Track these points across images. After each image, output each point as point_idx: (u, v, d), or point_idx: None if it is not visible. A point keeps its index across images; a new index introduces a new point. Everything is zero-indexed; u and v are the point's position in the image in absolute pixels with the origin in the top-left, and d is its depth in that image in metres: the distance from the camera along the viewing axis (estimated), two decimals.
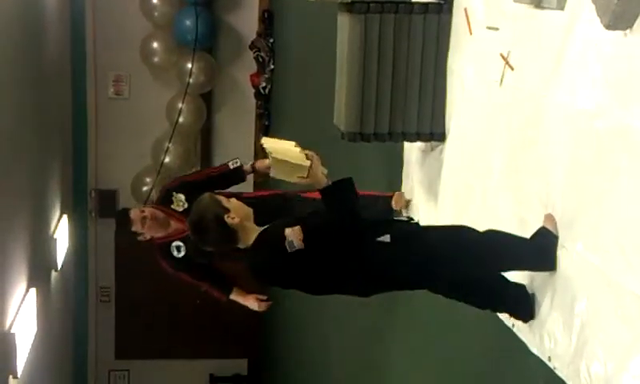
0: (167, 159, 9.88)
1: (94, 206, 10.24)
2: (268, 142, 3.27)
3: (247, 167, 4.61)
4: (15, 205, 6.40)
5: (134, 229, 4.35)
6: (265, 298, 4.59)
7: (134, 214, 4.37)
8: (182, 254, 4.35)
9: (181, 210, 4.35)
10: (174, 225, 4.39)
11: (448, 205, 4.11)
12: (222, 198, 3.08)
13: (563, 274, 2.89)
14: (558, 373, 2.89)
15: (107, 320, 10.60)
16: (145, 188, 10.05)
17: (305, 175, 2.96)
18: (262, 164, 4.49)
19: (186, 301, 10.30)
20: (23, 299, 6.42)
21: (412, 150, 4.64)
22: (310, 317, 7.47)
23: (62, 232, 8.49)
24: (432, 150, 4.35)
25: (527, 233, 3.07)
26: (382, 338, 5.31)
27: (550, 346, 2.95)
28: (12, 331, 5.91)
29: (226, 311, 10.20)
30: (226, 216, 2.98)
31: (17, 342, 5.91)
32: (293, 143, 3.19)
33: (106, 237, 10.33)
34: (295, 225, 2.92)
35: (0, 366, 5.76)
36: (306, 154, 2.99)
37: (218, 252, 3.59)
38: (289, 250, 2.89)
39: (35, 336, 6.72)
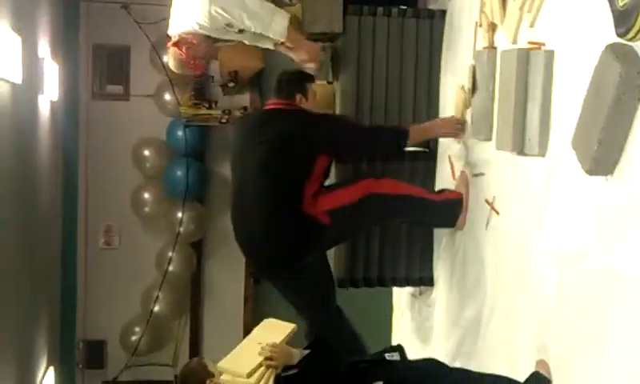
0: (157, 308, 9.82)
1: (82, 357, 10.09)
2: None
3: None
4: (0, 356, 6.30)
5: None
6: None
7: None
8: None
9: None
10: None
11: (440, 348, 4.08)
12: (209, 363, 3.09)
13: None
14: None
15: None
16: (134, 337, 9.94)
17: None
18: None
19: None
20: None
21: (401, 295, 4.65)
22: None
23: None
24: (421, 294, 4.36)
25: (519, 377, 3.04)
26: None
27: None
28: None
29: None
30: (208, 381, 2.99)
31: None
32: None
33: None
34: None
35: None
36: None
37: None
38: None
39: None
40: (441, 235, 4.11)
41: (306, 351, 3.04)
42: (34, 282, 7.89)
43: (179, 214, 9.62)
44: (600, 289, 2.61)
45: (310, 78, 3.94)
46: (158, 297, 9.75)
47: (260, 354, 2.99)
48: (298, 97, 3.87)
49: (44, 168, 8.48)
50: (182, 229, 9.65)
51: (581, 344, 2.73)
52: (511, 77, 3.08)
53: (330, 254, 4.15)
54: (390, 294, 4.77)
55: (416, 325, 4.44)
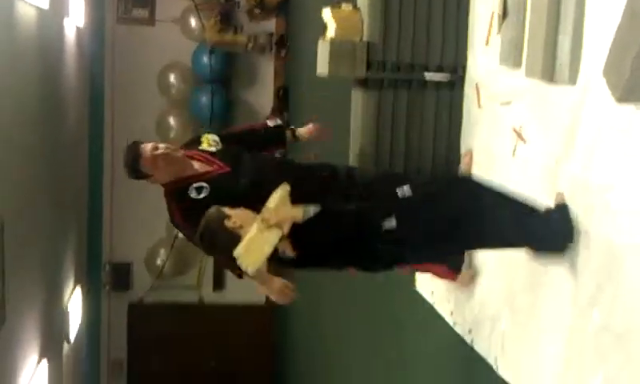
0: (181, 234, 9.91)
1: (108, 279, 10.27)
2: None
3: (288, 132, 4.20)
4: (29, 275, 6.44)
5: (142, 167, 3.67)
6: (291, 286, 3.60)
7: (145, 150, 3.63)
8: (203, 195, 3.60)
9: (213, 149, 3.69)
10: (198, 166, 3.68)
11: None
12: (226, 208, 3.17)
13: None
14: None
15: None
16: (159, 261, 10.09)
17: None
18: (305, 131, 4.17)
19: (198, 371, 10.25)
20: (35, 372, 6.40)
21: None
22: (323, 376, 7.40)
23: (75, 304, 8.50)
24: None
25: None
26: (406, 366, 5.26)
27: None
28: None
29: (240, 381, 10.19)
30: (226, 220, 3.10)
31: None
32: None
33: (119, 310, 10.34)
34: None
35: None
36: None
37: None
38: (285, 257, 3.09)
39: None
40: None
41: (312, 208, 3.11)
42: (61, 205, 7.99)
43: None
44: (629, 223, 2.61)
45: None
46: None
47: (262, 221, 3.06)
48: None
49: (70, 93, 8.51)
50: None
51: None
52: (543, 2, 3.03)
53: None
54: None
55: None
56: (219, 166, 3.68)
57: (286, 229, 3.06)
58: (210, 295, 10.50)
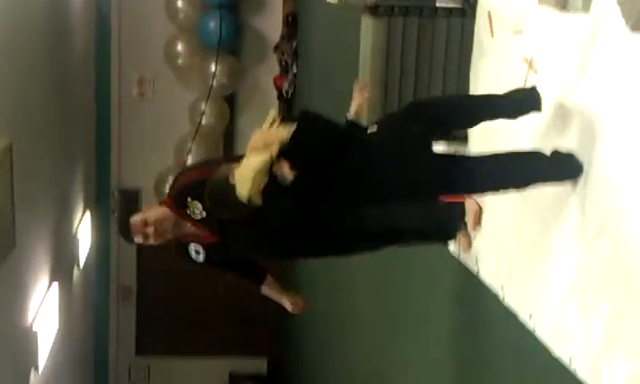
0: (190, 160, 9.94)
1: (117, 205, 10.32)
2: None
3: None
4: (39, 200, 6.48)
5: (136, 241, 3.66)
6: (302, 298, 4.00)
7: (135, 225, 3.61)
8: (202, 257, 3.79)
9: (198, 218, 3.66)
10: (190, 228, 3.74)
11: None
12: (232, 165, 3.19)
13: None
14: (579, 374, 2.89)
15: (128, 317, 10.68)
16: (167, 187, 10.11)
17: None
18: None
19: (208, 298, 10.37)
20: (45, 295, 6.50)
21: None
22: (334, 319, 7.48)
23: (84, 229, 8.58)
24: (455, 153, 4.36)
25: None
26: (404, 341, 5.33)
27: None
28: (34, 326, 5.98)
29: (247, 310, 10.31)
30: (230, 176, 3.11)
31: (38, 337, 5.98)
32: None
33: None
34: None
35: (22, 361, 5.83)
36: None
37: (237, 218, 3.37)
38: (286, 183, 3.08)
39: (57, 331, 6.79)
40: (477, 92, 4.07)
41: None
42: (69, 131, 7.99)
43: (212, 67, 9.60)
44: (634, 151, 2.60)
45: None
46: (190, 148, 9.85)
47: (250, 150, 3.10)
48: None
49: (78, 17, 8.43)
50: (215, 82, 9.64)
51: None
52: None
53: None
54: None
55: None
56: (206, 236, 3.65)
57: (274, 149, 3.05)
58: None
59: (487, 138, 3.92)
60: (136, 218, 3.55)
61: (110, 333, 10.65)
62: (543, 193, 3.14)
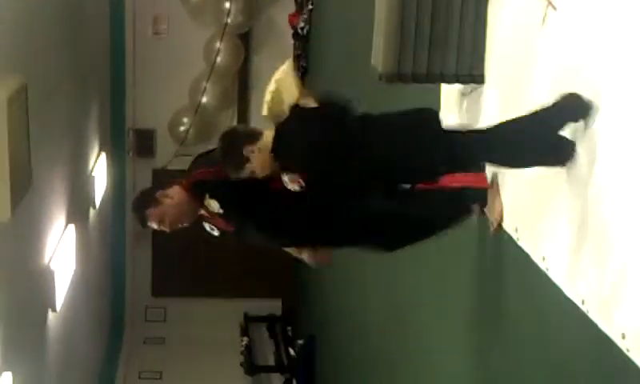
0: (204, 99, 9.90)
1: (132, 145, 10.33)
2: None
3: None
4: (55, 141, 6.48)
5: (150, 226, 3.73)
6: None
7: (151, 216, 3.65)
8: (217, 232, 3.82)
9: (214, 212, 3.70)
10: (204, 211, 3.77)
11: None
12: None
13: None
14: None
15: (144, 258, 10.75)
16: (182, 128, 10.11)
17: None
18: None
19: (222, 240, 10.40)
20: (62, 235, 6.53)
21: (450, 93, 4.59)
22: (353, 262, 7.50)
23: (100, 170, 8.59)
24: (471, 92, 4.29)
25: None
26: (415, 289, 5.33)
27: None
28: (51, 266, 6.02)
29: (262, 251, 10.34)
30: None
31: (55, 277, 6.03)
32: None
33: (143, 176, 10.44)
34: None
35: (40, 301, 5.89)
36: None
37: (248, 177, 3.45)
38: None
39: (74, 271, 6.84)
40: (494, 32, 3.99)
41: None
42: (83, 71, 7.95)
43: (227, 4, 9.49)
44: None
45: None
46: (205, 88, 9.80)
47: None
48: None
49: None
50: (229, 19, 9.54)
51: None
52: None
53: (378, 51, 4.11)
54: (438, 91, 4.71)
55: (464, 123, 4.40)
56: (221, 224, 3.70)
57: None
58: None
59: (504, 81, 3.86)
60: (153, 212, 3.59)
61: (127, 274, 10.74)
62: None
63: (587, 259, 2.92)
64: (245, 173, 3.33)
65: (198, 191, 3.60)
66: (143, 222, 3.64)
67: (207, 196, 3.57)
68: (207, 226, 3.76)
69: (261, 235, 3.71)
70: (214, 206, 3.59)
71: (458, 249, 4.43)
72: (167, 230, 3.66)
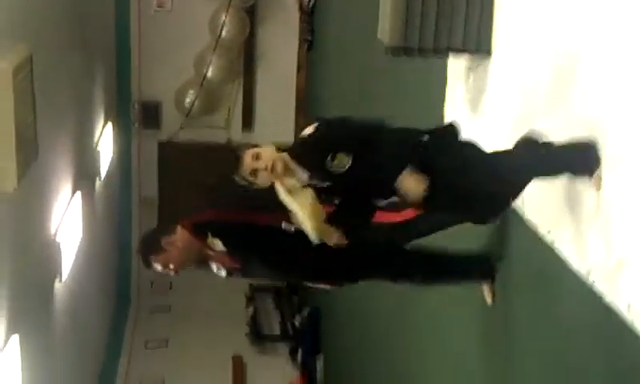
0: (210, 72, 9.89)
1: (138, 117, 10.33)
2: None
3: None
4: (60, 113, 6.48)
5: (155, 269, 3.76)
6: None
7: (157, 262, 3.72)
8: (224, 273, 3.91)
9: (218, 249, 3.79)
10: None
11: (492, 122, 4.07)
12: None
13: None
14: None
15: (150, 228, 10.77)
16: (187, 100, 10.11)
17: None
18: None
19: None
20: (68, 205, 6.56)
21: (456, 67, 4.58)
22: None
23: (106, 141, 8.61)
24: (477, 66, 4.29)
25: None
26: None
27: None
28: (57, 236, 6.06)
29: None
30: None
31: (62, 247, 6.06)
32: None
33: (149, 147, 10.46)
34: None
35: (46, 271, 5.93)
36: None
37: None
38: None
39: (80, 242, 6.88)
40: (502, 4, 3.98)
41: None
42: (89, 42, 7.94)
43: None
44: None
45: None
46: (210, 61, 9.79)
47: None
48: None
49: None
50: None
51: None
52: None
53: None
54: (445, 65, 4.70)
55: (470, 96, 4.41)
56: (229, 261, 3.77)
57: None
58: (238, 135, 10.57)
59: (511, 54, 3.86)
60: (159, 259, 3.65)
61: (133, 244, 10.78)
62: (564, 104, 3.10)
63: (593, 233, 2.93)
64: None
65: (199, 231, 3.71)
66: (149, 266, 3.72)
67: (209, 235, 3.68)
68: (214, 267, 3.83)
69: (267, 270, 3.79)
70: (218, 244, 3.70)
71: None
72: (173, 273, 3.73)
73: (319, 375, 9.06)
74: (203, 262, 3.81)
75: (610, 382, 2.78)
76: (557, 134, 3.25)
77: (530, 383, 3.51)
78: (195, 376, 9.35)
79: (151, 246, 3.70)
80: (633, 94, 2.72)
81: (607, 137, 2.87)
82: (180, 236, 3.66)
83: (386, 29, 4.16)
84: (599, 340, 2.89)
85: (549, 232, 3.29)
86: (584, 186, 3.00)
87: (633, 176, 2.69)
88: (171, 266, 3.67)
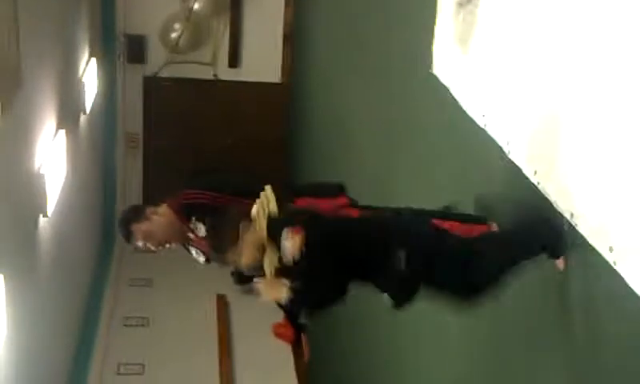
0: (196, 5, 9.75)
1: (123, 50, 10.19)
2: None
3: None
4: (45, 43, 6.38)
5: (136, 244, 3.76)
6: None
7: (137, 233, 3.70)
8: (202, 260, 3.87)
9: (201, 235, 3.75)
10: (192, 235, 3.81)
11: (481, 60, 4.03)
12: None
13: None
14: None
15: (135, 166, 10.74)
16: (173, 34, 9.98)
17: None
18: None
19: (213, 149, 10.41)
20: (53, 140, 6.50)
21: (446, 3, 4.52)
22: None
23: (90, 75, 8.50)
24: (468, 2, 4.23)
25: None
26: None
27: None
28: (42, 171, 6.01)
29: (256, 161, 10.37)
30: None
31: (46, 182, 6.02)
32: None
33: (134, 82, 10.35)
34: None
35: (31, 206, 5.89)
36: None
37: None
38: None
39: (64, 177, 6.83)
40: None
41: None
42: None
43: None
44: None
45: None
46: None
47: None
48: None
49: None
50: None
51: None
52: None
53: None
54: (434, 1, 4.64)
55: (459, 34, 4.35)
56: (208, 248, 3.71)
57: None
58: (225, 72, 10.46)
59: None
60: (140, 228, 3.64)
61: (118, 181, 10.74)
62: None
63: (577, 173, 2.93)
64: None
65: (185, 213, 3.67)
66: (128, 236, 3.68)
67: (194, 219, 3.65)
68: (193, 251, 3.79)
69: None
70: (200, 228, 3.67)
71: (451, 154, 4.44)
72: (153, 248, 3.68)
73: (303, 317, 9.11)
74: (183, 244, 3.79)
75: None
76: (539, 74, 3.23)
77: None
78: (180, 314, 9.40)
79: (135, 214, 3.70)
80: None
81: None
82: (166, 211, 3.66)
83: None
84: (587, 287, 2.91)
85: (535, 173, 3.27)
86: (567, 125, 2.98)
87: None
88: (152, 239, 3.65)
